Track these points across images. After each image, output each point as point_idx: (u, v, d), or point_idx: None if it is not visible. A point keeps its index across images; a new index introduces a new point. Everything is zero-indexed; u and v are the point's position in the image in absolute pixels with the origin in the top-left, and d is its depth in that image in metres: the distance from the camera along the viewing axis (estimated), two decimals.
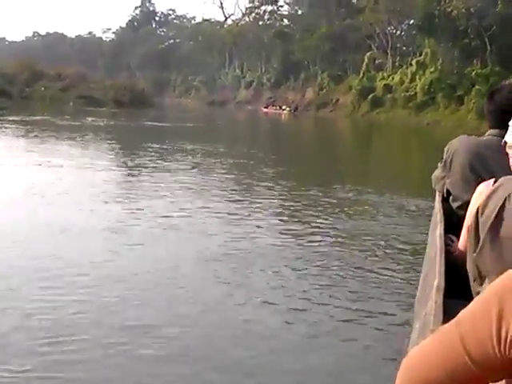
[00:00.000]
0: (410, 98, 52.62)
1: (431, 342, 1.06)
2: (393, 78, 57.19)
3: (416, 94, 52.08)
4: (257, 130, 36.45)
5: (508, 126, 2.08)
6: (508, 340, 0.95)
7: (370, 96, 57.20)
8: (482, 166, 3.12)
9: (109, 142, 19.35)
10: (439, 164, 3.59)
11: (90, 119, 28.45)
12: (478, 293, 1.97)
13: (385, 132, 39.24)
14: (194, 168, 13.74)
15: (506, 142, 2.04)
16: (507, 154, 2.04)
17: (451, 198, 3.36)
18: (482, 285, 2.01)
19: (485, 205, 1.95)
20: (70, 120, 27.52)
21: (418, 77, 52.94)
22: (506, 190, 1.93)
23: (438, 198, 3.52)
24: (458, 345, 0.99)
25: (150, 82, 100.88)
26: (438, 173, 3.61)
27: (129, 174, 12.44)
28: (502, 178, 2.04)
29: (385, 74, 58.96)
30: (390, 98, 55.39)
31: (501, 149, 2.15)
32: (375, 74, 59.95)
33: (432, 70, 51.02)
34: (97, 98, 43.54)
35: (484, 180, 2.47)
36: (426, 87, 50.85)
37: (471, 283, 2.10)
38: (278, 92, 76.30)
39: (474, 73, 46.84)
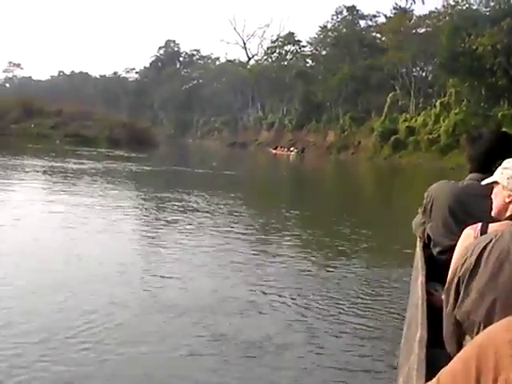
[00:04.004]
0: (433, 141, 49.79)
1: None
2: (416, 120, 54.36)
3: (440, 136, 49.17)
4: (255, 174, 33.31)
5: (489, 170, 2.62)
6: None
7: (392, 138, 54.40)
8: (463, 211, 3.11)
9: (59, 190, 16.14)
10: (419, 210, 3.56)
11: (67, 161, 25.29)
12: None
13: (406, 178, 35.81)
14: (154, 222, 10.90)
15: (495, 182, 2.34)
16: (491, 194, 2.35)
17: (432, 243, 3.32)
18: (460, 344, 1.97)
19: (464, 260, 1.98)
20: (42, 161, 24.64)
21: (441, 119, 50.04)
22: (484, 240, 1.99)
23: (418, 244, 3.52)
24: None
25: (173, 123, 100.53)
26: (418, 219, 3.60)
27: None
28: (491, 226, 2.32)
29: (408, 116, 56.12)
30: (412, 141, 52.57)
31: (483, 192, 2.62)
32: (398, 115, 57.16)
33: (456, 111, 48.03)
34: (88, 137, 40.57)
35: (466, 224, 2.54)
36: (451, 129, 47.90)
37: (446, 341, 2.09)
38: (300, 134, 74.16)
39: (500, 114, 43.64)
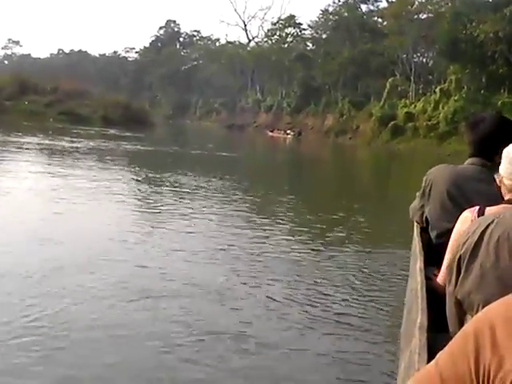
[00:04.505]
0: (432, 128, 49.52)
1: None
2: (415, 106, 54.04)
3: (439, 123, 48.93)
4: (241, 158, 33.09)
5: (488, 155, 2.95)
6: (485, 375, 1.02)
7: (390, 124, 54.10)
8: (460, 195, 3.16)
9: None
10: (417, 194, 3.57)
11: (60, 138, 25.00)
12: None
13: (404, 164, 35.58)
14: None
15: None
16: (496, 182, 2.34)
17: (430, 227, 3.34)
18: (461, 324, 1.96)
19: (466, 239, 1.99)
20: (36, 138, 24.41)
21: (441, 105, 49.77)
22: (485, 220, 2.00)
23: (416, 230, 3.54)
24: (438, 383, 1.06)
25: (172, 104, 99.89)
26: (416, 203, 3.60)
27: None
28: (488, 209, 2.35)
29: (407, 102, 55.81)
30: (411, 127, 52.26)
31: (481, 177, 2.93)
32: (397, 101, 56.82)
33: (456, 98, 47.71)
34: (83, 115, 40.05)
35: (462, 208, 2.59)
36: (450, 116, 47.60)
37: (449, 320, 2.11)
38: (298, 117, 73.83)
39: (500, 102, 43.35)
